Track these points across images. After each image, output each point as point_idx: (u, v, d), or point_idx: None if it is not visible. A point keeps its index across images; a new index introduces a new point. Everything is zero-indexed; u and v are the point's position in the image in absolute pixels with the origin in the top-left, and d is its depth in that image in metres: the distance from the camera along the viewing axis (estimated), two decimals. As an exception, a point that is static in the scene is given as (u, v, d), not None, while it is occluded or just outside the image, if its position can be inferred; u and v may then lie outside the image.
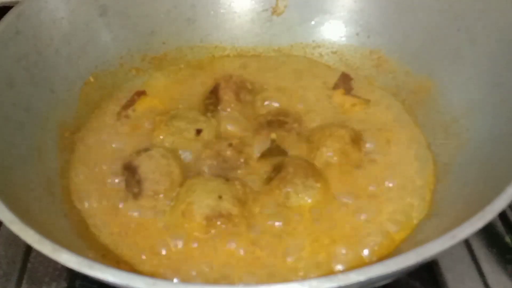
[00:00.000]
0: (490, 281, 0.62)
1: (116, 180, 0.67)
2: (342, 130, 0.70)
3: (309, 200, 0.63)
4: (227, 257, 0.59)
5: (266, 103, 0.78)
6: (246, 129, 0.74)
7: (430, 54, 0.75)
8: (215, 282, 0.57)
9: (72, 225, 0.61)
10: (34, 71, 0.69)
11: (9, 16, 0.67)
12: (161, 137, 0.71)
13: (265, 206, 0.64)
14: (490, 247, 0.65)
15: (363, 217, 0.63)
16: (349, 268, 0.57)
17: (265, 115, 0.75)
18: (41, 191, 0.61)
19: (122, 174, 0.67)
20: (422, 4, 0.76)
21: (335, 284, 0.40)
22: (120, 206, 0.65)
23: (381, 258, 0.59)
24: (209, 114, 0.75)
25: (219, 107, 0.75)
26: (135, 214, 0.64)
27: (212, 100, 0.77)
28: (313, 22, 0.86)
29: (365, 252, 0.60)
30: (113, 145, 0.72)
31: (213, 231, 0.60)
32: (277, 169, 0.66)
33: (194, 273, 0.58)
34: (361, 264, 0.58)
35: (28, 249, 0.65)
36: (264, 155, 0.70)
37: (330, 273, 0.58)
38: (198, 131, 0.71)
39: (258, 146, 0.71)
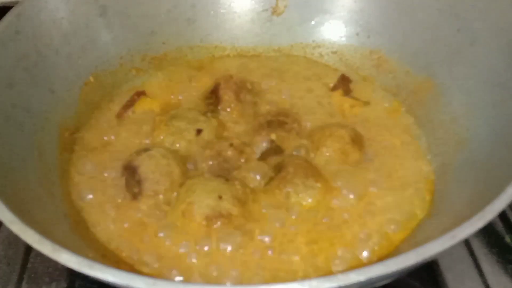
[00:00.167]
0: (490, 281, 0.62)
1: (116, 180, 0.67)
2: (342, 130, 0.70)
3: (309, 200, 0.63)
4: (227, 257, 0.59)
5: (266, 103, 0.78)
6: (246, 129, 0.74)
7: (430, 54, 0.75)
8: (215, 282, 0.57)
9: (72, 225, 0.61)
10: (34, 71, 0.69)
11: (9, 16, 0.67)
12: (161, 137, 0.71)
13: (265, 206, 0.64)
14: (490, 247, 0.65)
15: (362, 217, 0.63)
16: (348, 270, 0.57)
17: (265, 115, 0.75)
18: (41, 191, 0.61)
19: (122, 174, 0.67)
20: (422, 4, 0.76)
21: (335, 284, 0.40)
22: (120, 206, 0.65)
23: (381, 259, 0.59)
24: (209, 114, 0.75)
25: (219, 107, 0.75)
26: (135, 214, 0.64)
27: (212, 100, 0.77)
28: (313, 22, 0.86)
29: (365, 253, 0.60)
30: (113, 145, 0.72)
31: (213, 231, 0.60)
32: (277, 169, 0.66)
33: (194, 273, 0.58)
34: (361, 265, 0.58)
35: (28, 249, 0.65)
36: (264, 155, 0.70)
37: (329, 274, 0.58)
38: (198, 131, 0.71)
39: (258, 146, 0.71)
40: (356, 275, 0.41)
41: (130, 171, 0.66)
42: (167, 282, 0.41)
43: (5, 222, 0.47)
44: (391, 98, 0.78)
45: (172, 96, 0.80)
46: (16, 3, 0.69)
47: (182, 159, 0.69)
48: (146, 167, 0.65)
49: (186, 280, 0.58)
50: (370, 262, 0.59)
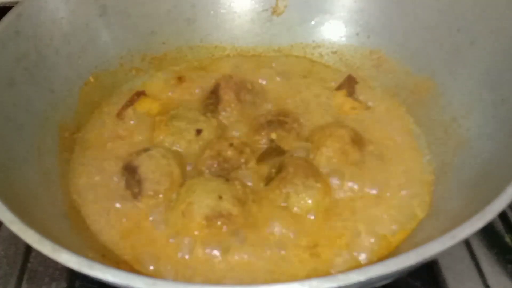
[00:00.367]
0: (490, 281, 0.62)
1: (116, 180, 0.67)
2: (342, 130, 0.70)
3: (309, 201, 0.63)
4: (227, 257, 0.59)
5: (266, 103, 0.78)
6: (246, 129, 0.74)
7: (430, 54, 0.75)
8: (215, 282, 0.57)
9: (72, 225, 0.61)
10: (34, 71, 0.69)
11: (9, 16, 0.67)
12: (161, 137, 0.71)
13: (265, 206, 0.64)
14: (490, 247, 0.65)
15: (362, 218, 0.63)
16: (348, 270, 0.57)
17: (265, 115, 0.75)
18: (41, 191, 0.61)
19: (122, 174, 0.67)
20: (422, 4, 0.76)
21: (335, 284, 0.40)
22: (120, 206, 0.65)
23: (380, 259, 0.59)
24: (209, 114, 0.75)
25: (219, 107, 0.75)
26: (135, 214, 0.64)
27: (212, 100, 0.77)
28: (313, 22, 0.86)
29: (365, 253, 0.60)
30: (113, 145, 0.72)
31: (213, 231, 0.60)
32: (277, 169, 0.66)
33: (194, 272, 0.58)
34: (360, 266, 0.58)
35: (28, 249, 0.65)
36: (264, 155, 0.70)
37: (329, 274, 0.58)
38: (198, 131, 0.71)
39: (258, 146, 0.71)
40: (356, 275, 0.41)
41: (130, 171, 0.66)
42: (167, 282, 0.41)
43: (5, 222, 0.47)
44: (391, 98, 0.78)
45: (172, 96, 0.80)
46: (16, 3, 0.69)
47: (182, 159, 0.69)
48: (146, 167, 0.65)
49: (186, 280, 0.58)
50: (370, 263, 0.59)
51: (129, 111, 0.77)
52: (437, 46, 0.74)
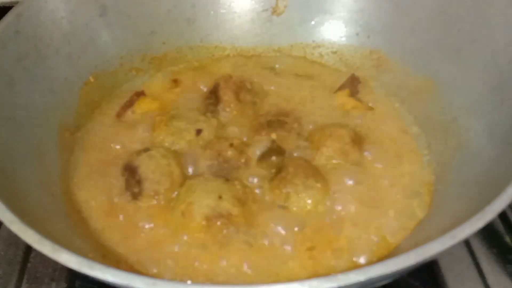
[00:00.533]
0: (490, 281, 0.62)
1: (116, 180, 0.67)
2: (342, 130, 0.70)
3: (309, 201, 0.63)
4: (227, 257, 0.59)
5: (265, 103, 0.78)
6: (246, 129, 0.74)
7: (430, 54, 0.75)
8: (215, 282, 0.57)
9: (72, 225, 0.61)
10: (34, 71, 0.69)
11: (9, 16, 0.67)
12: (161, 137, 0.71)
13: (265, 206, 0.64)
14: (490, 247, 0.65)
15: (362, 218, 0.63)
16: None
17: (265, 115, 0.75)
18: (41, 191, 0.61)
19: (122, 174, 0.67)
20: (422, 4, 0.76)
21: (335, 284, 0.40)
22: (120, 206, 0.65)
23: (380, 259, 0.59)
24: (209, 114, 0.75)
25: (219, 107, 0.75)
26: (135, 214, 0.64)
27: (212, 100, 0.77)
28: (313, 22, 0.86)
29: (365, 253, 0.60)
30: (113, 145, 0.72)
31: (213, 231, 0.60)
32: (277, 169, 0.66)
33: (194, 272, 0.58)
34: (359, 266, 0.58)
35: (28, 249, 0.65)
36: (264, 155, 0.70)
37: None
38: (198, 131, 0.71)
39: (258, 146, 0.71)
40: (356, 275, 0.41)
41: (130, 171, 0.66)
42: (167, 282, 0.41)
43: (5, 222, 0.47)
44: (391, 98, 0.78)
45: (172, 96, 0.80)
46: (16, 3, 0.69)
47: (182, 159, 0.69)
48: (146, 167, 0.65)
49: (185, 280, 0.58)
50: (369, 263, 0.59)
51: (129, 111, 0.77)
52: (437, 46, 0.74)
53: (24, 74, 0.67)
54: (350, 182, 0.66)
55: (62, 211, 0.62)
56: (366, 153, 0.70)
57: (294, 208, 0.63)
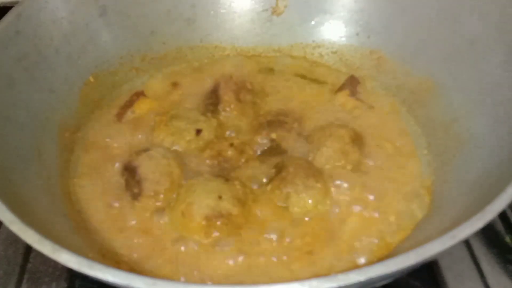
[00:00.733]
0: (490, 281, 0.62)
1: (116, 180, 0.67)
2: (342, 130, 0.70)
3: (310, 201, 0.63)
4: (227, 258, 0.59)
5: (266, 103, 0.78)
6: (246, 129, 0.74)
7: (430, 54, 0.75)
8: (215, 282, 0.57)
9: (72, 225, 0.61)
10: (34, 71, 0.69)
11: (9, 16, 0.67)
12: (161, 137, 0.71)
13: (265, 206, 0.64)
14: (490, 247, 0.65)
15: (362, 218, 0.63)
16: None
17: (265, 115, 0.75)
18: (41, 191, 0.61)
19: (122, 174, 0.67)
20: (422, 4, 0.76)
21: (335, 284, 0.40)
22: (120, 206, 0.65)
23: (380, 260, 0.59)
24: (209, 114, 0.75)
25: (219, 107, 0.75)
26: (135, 214, 0.64)
27: (212, 100, 0.77)
28: (313, 22, 0.86)
29: (364, 254, 0.60)
30: (113, 145, 0.72)
31: (213, 231, 0.60)
32: (278, 169, 0.66)
33: (194, 273, 0.58)
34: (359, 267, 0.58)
35: (28, 249, 0.65)
36: (264, 155, 0.70)
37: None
38: (198, 131, 0.71)
39: (258, 146, 0.71)
40: (356, 275, 0.41)
41: (130, 171, 0.66)
42: (167, 282, 0.41)
43: (5, 222, 0.47)
44: (391, 98, 0.78)
45: (172, 96, 0.80)
46: (16, 3, 0.69)
47: (182, 159, 0.69)
48: (146, 167, 0.65)
49: (185, 280, 0.58)
50: (370, 263, 0.59)
51: (129, 111, 0.77)
52: (437, 46, 0.74)
53: (24, 74, 0.67)
54: (350, 182, 0.66)
55: (62, 211, 0.62)
56: (366, 153, 0.70)
57: (294, 208, 0.63)
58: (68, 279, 0.62)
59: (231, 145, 0.69)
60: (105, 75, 0.80)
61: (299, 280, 0.40)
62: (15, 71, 0.66)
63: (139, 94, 0.79)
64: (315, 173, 0.65)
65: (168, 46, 0.85)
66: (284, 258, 0.59)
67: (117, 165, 0.69)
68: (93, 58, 0.78)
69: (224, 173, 0.66)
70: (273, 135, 0.71)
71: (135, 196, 0.65)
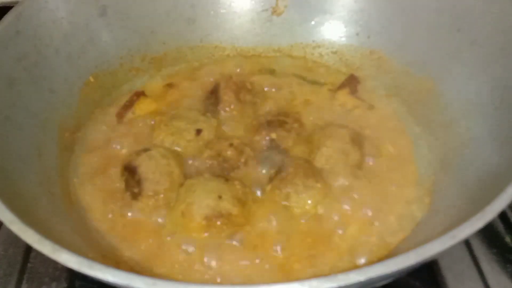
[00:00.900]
0: (490, 281, 0.62)
1: (116, 180, 0.67)
2: (342, 130, 0.70)
3: (309, 201, 0.63)
4: (227, 258, 0.59)
5: (266, 103, 0.78)
6: (246, 129, 0.74)
7: (430, 54, 0.75)
8: (215, 282, 0.57)
9: (72, 225, 0.61)
10: (34, 71, 0.69)
11: (9, 16, 0.67)
12: (161, 137, 0.71)
13: (265, 206, 0.64)
14: (490, 247, 0.65)
15: (362, 218, 0.63)
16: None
17: (265, 115, 0.75)
18: (41, 191, 0.61)
19: (122, 174, 0.67)
20: (422, 4, 0.76)
21: (335, 284, 0.40)
22: (120, 206, 0.65)
23: (380, 260, 0.59)
24: (209, 114, 0.75)
25: (219, 107, 0.75)
26: (135, 214, 0.64)
27: (212, 100, 0.77)
28: (313, 22, 0.86)
29: (364, 254, 0.60)
30: (113, 145, 0.72)
31: (213, 231, 0.60)
32: (277, 169, 0.66)
33: (194, 273, 0.58)
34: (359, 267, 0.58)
35: (28, 249, 0.65)
36: (264, 155, 0.70)
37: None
38: (198, 131, 0.71)
39: (258, 146, 0.71)
40: (356, 275, 0.41)
41: (130, 171, 0.66)
42: (167, 282, 0.41)
43: (5, 222, 0.47)
44: (391, 98, 0.78)
45: (172, 96, 0.80)
46: (16, 3, 0.69)
47: (182, 159, 0.69)
48: (146, 167, 0.65)
49: (185, 280, 0.58)
50: (370, 263, 0.59)
51: (129, 111, 0.76)
52: (437, 46, 0.74)
53: (24, 74, 0.67)
54: (350, 182, 0.66)
55: (62, 211, 0.62)
56: (366, 153, 0.70)
57: (294, 208, 0.63)
58: (68, 279, 0.63)
59: (231, 145, 0.69)
60: (105, 75, 0.80)
61: (299, 280, 0.40)
62: (15, 71, 0.66)
63: (139, 94, 0.79)
64: (315, 173, 0.65)
65: (168, 46, 0.85)
66: (284, 256, 0.59)
67: (117, 165, 0.68)
68: (93, 58, 0.78)
69: (224, 173, 0.66)
70: (273, 135, 0.71)
71: (135, 196, 0.64)
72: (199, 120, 0.73)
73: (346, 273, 0.41)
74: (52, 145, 0.68)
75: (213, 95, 0.77)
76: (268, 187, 0.65)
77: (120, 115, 0.76)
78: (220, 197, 0.61)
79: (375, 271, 0.41)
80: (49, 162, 0.66)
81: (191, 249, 0.60)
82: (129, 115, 0.76)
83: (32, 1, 0.71)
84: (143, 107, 0.77)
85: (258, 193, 0.65)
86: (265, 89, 0.80)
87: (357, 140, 0.70)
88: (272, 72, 0.84)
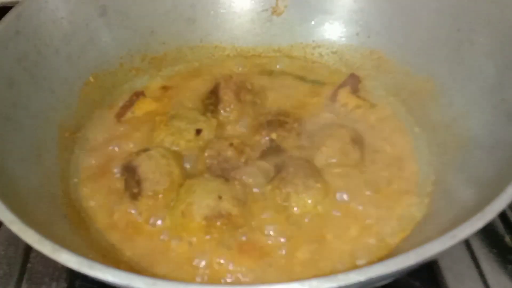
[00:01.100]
0: (490, 281, 0.62)
1: (116, 180, 0.67)
2: (342, 130, 0.70)
3: (309, 201, 0.63)
4: (226, 258, 0.59)
5: (266, 103, 0.78)
6: (246, 129, 0.74)
7: (430, 54, 0.75)
8: (215, 282, 0.57)
9: (72, 225, 0.61)
10: (34, 71, 0.69)
11: (9, 16, 0.67)
12: (161, 137, 0.71)
13: (265, 206, 0.64)
14: (490, 247, 0.65)
15: (361, 218, 0.63)
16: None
17: (265, 115, 0.75)
18: (41, 191, 0.61)
19: (122, 174, 0.67)
20: (422, 4, 0.76)
21: (335, 284, 0.40)
22: (120, 206, 0.65)
23: (380, 260, 0.59)
24: (209, 114, 0.75)
25: (219, 107, 0.75)
26: (135, 214, 0.64)
27: (212, 100, 0.77)
28: (313, 22, 0.86)
29: (364, 254, 0.60)
30: (113, 145, 0.72)
31: (213, 231, 0.60)
32: (277, 169, 0.66)
33: (194, 272, 0.58)
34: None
35: (28, 249, 0.65)
36: (264, 155, 0.70)
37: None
38: (198, 131, 0.71)
39: (258, 146, 0.71)
40: (356, 275, 0.41)
41: (130, 171, 0.66)
42: (167, 282, 0.41)
43: (5, 222, 0.47)
44: (391, 98, 0.78)
45: (172, 96, 0.80)
46: (16, 3, 0.69)
47: (182, 159, 0.69)
48: (146, 167, 0.65)
49: (185, 280, 0.58)
50: (370, 263, 0.59)
51: (129, 111, 0.77)
52: (437, 46, 0.74)
53: (24, 74, 0.67)
54: (350, 182, 0.66)
55: (62, 211, 0.62)
56: (366, 153, 0.70)
57: (294, 208, 0.63)
58: (68, 279, 0.63)
59: (231, 145, 0.69)
60: (105, 75, 0.80)
61: (299, 280, 0.41)
62: (15, 71, 0.66)
63: (139, 94, 0.79)
64: (315, 173, 0.65)
65: (168, 46, 0.85)
66: (284, 256, 0.59)
67: (117, 165, 0.68)
68: (93, 58, 0.78)
69: (224, 173, 0.66)
70: (273, 135, 0.71)
71: (135, 196, 0.64)
72: (199, 120, 0.73)
73: (346, 273, 0.41)
74: (52, 145, 0.68)
75: (213, 95, 0.77)
76: (268, 187, 0.65)
77: (120, 115, 0.76)
78: (220, 197, 0.61)
79: (375, 271, 0.41)
80: (49, 162, 0.66)
81: (191, 249, 0.60)
82: (129, 115, 0.76)
83: (32, 1, 0.71)
84: (143, 107, 0.77)
85: (258, 193, 0.65)
86: (265, 89, 0.80)
87: (357, 140, 0.70)
88: (272, 72, 0.84)
